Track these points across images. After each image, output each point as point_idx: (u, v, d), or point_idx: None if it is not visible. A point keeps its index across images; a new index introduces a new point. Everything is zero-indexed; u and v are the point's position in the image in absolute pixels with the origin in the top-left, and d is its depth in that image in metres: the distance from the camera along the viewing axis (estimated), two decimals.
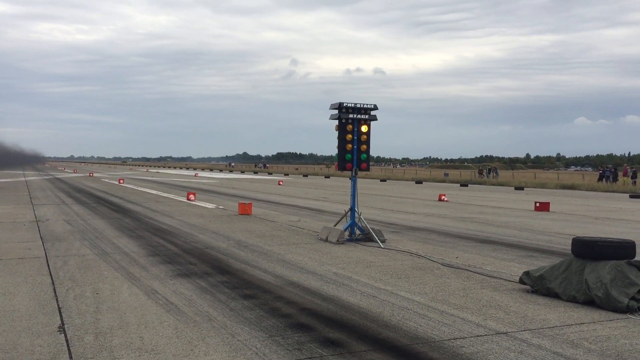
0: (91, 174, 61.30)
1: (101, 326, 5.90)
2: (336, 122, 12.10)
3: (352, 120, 12.07)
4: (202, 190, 32.86)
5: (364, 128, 12.20)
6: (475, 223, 16.77)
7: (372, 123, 12.34)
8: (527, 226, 16.10)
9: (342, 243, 12.01)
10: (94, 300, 7.00)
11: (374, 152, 12.63)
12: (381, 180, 57.09)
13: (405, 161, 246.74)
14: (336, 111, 12.07)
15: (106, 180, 47.64)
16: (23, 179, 46.21)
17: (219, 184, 43.07)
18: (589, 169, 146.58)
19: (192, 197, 24.88)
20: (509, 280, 8.44)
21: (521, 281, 7.95)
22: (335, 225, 12.93)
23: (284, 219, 17.03)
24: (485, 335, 5.79)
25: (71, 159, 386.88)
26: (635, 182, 45.76)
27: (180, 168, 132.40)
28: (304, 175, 74.54)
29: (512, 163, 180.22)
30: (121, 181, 42.79)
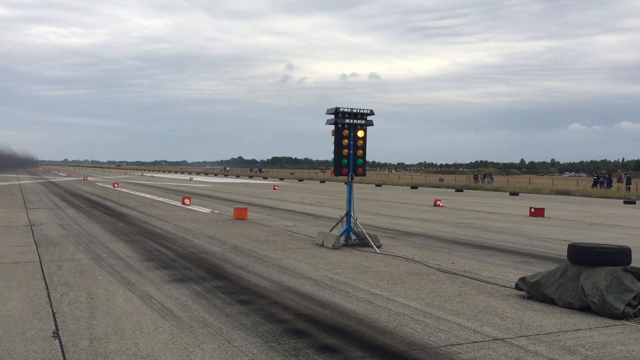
0: (85, 178, 61.09)
1: (96, 332, 5.85)
2: (332, 127, 12.11)
3: (348, 125, 12.08)
4: (197, 195, 32.79)
5: (360, 133, 12.21)
6: (470, 228, 16.79)
7: (368, 128, 12.36)
8: (522, 232, 16.13)
9: (338, 248, 12.00)
10: (89, 305, 6.96)
11: (368, 157, 12.62)
12: (376, 185, 57.13)
13: (401, 166, 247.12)
14: (332, 116, 12.07)
15: (100, 184, 47.47)
16: (16, 182, 46.00)
17: (214, 188, 43.00)
18: (583, 174, 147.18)
19: (187, 201, 24.81)
20: (505, 286, 8.44)
21: (517, 287, 7.96)
22: (331, 231, 12.92)
23: (279, 224, 17.00)
24: (482, 341, 5.78)
25: (65, 163, 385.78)
26: (629, 188, 45.94)
27: (175, 172, 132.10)
28: (299, 180, 74.55)
29: (506, 168, 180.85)
30: (116, 185, 42.66)
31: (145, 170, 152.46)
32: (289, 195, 34.45)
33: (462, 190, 47.51)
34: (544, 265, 10.13)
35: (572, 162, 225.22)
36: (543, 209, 22.41)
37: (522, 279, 7.90)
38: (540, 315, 6.84)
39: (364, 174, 12.50)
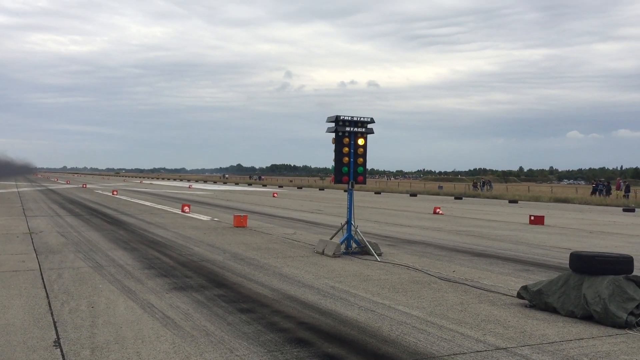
0: (84, 186, 61.04)
1: (97, 341, 5.83)
2: (333, 135, 12.12)
3: (348, 133, 12.09)
4: (197, 202, 32.76)
5: (360, 141, 12.22)
6: (470, 236, 16.77)
7: (368, 136, 12.36)
8: (522, 239, 16.12)
9: (339, 256, 11.97)
10: (90, 314, 6.93)
11: (368, 165, 12.63)
12: (376, 193, 57.14)
13: (400, 173, 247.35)
14: (333, 124, 12.09)
15: (100, 191, 47.43)
16: (15, 190, 45.94)
17: (214, 196, 42.96)
18: (582, 182, 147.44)
19: (186, 209, 24.79)
20: (507, 295, 8.42)
21: (519, 295, 7.94)
22: (331, 238, 12.90)
23: (279, 232, 16.97)
24: (485, 350, 5.76)
25: (64, 170, 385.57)
26: (628, 195, 46.01)
27: (174, 179, 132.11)
28: (298, 188, 74.54)
29: (505, 176, 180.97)
30: (115, 193, 42.62)
31: (144, 177, 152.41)
32: (288, 203, 34.43)
33: (461, 198, 47.53)
34: (545, 274, 10.12)
35: (570, 169, 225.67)
36: (543, 216, 22.42)
37: (524, 288, 7.89)
38: (543, 324, 6.82)
39: (364, 182, 12.50)
